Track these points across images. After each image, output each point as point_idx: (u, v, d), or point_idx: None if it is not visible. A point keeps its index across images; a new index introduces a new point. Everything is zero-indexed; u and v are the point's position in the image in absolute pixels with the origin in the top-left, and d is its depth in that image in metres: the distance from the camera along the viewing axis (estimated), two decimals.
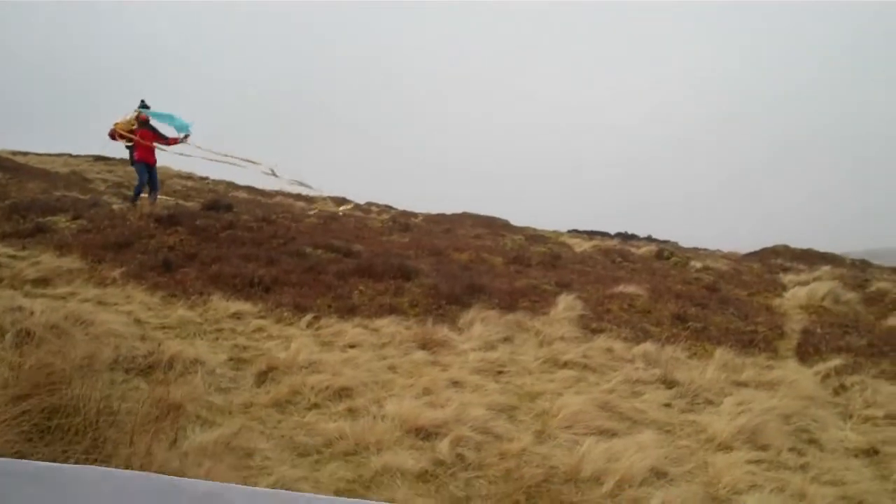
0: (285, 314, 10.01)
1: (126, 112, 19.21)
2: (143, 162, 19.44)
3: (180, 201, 19.04)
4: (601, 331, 10.75)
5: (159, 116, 19.31)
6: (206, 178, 28.91)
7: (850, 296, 16.01)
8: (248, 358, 8.28)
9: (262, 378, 7.69)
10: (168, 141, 19.79)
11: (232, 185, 27.88)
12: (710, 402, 8.45)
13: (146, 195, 18.91)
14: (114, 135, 19.31)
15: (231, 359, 8.21)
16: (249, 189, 27.70)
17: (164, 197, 18.47)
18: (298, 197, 27.80)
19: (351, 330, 9.56)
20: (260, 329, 9.42)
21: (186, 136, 19.61)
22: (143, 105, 19.53)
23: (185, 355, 7.74)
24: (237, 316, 9.76)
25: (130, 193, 20.00)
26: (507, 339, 10.09)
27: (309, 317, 9.86)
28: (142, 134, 19.34)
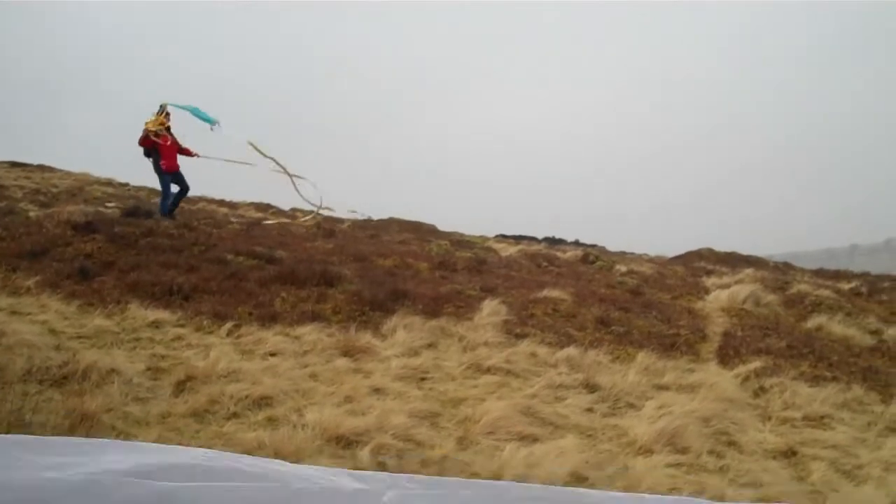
0: (205, 322, 9.82)
1: (148, 114, 18.72)
2: (170, 171, 18.98)
3: (100, 208, 18.64)
4: (525, 336, 10.73)
5: (182, 109, 18.83)
6: (127, 185, 28.47)
7: (771, 298, 16.24)
8: (167, 367, 8.11)
9: (181, 387, 7.53)
10: (185, 152, 19.39)
11: (154, 192, 27.45)
12: (631, 406, 8.49)
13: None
14: (147, 142, 18.76)
15: (149, 368, 8.03)
16: None
17: (80, 207, 18.04)
18: (221, 203, 27.51)
19: (272, 338, 9.42)
20: (179, 338, 9.24)
21: (196, 155, 19.23)
22: (163, 109, 19.05)
23: (101, 365, 7.55)
24: (156, 325, 9.57)
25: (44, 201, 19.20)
26: (430, 345, 10.03)
27: (229, 325, 9.69)
28: (165, 141, 18.91)
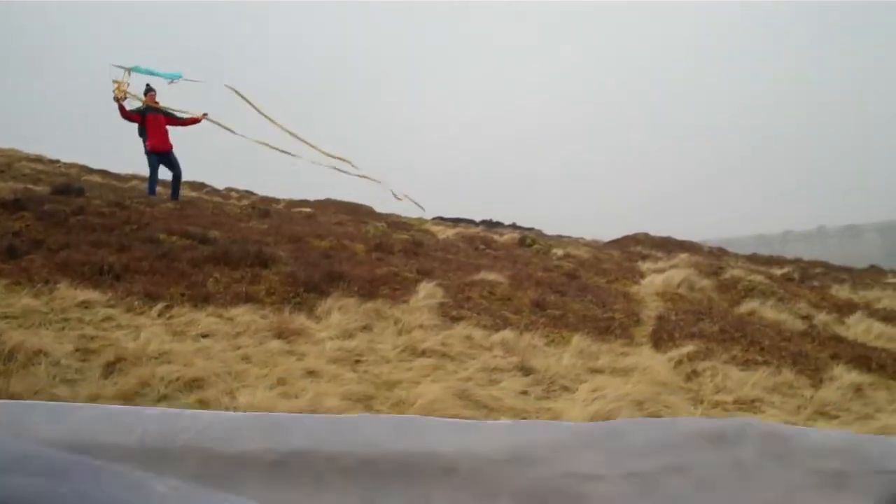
0: (136, 303, 9.64)
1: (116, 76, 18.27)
2: (156, 151, 18.53)
3: (29, 185, 18.25)
4: (461, 318, 10.72)
5: (141, 71, 18.36)
6: (58, 161, 27.94)
7: (705, 283, 16.42)
8: (96, 348, 7.95)
9: (110, 369, 7.39)
10: (185, 121, 18.89)
11: (85, 169, 27.01)
12: (566, 389, 8.50)
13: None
14: (134, 116, 18.32)
15: (77, 349, 7.87)
16: (104, 173, 26.92)
17: (9, 184, 17.59)
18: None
19: (204, 319, 9.29)
20: (109, 318, 9.07)
21: (205, 115, 18.74)
22: (148, 88, 18.61)
23: (27, 346, 7.39)
24: (85, 305, 9.37)
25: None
26: (365, 328, 9.98)
27: (160, 306, 9.52)
28: (152, 119, 18.43)
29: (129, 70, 18.08)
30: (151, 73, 18.43)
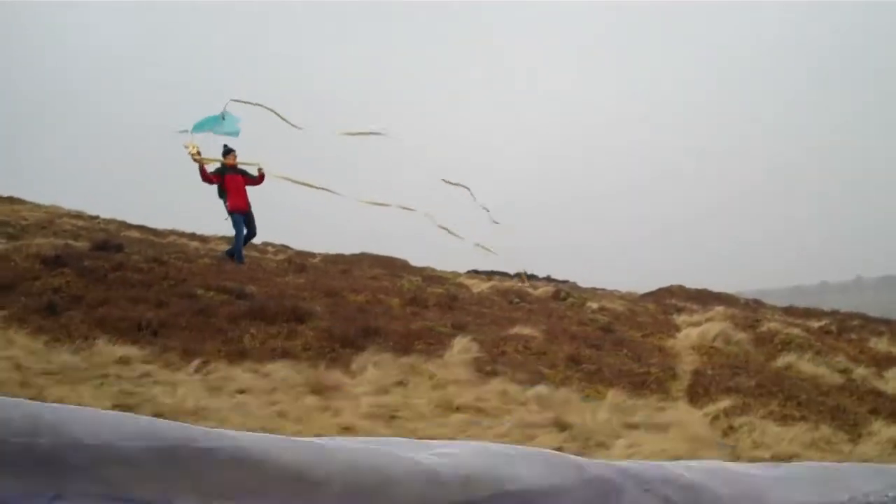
0: (173, 359, 9.73)
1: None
2: (238, 211, 18.66)
3: (69, 241, 18.46)
4: (495, 373, 10.71)
5: (203, 125, 18.53)
6: (97, 217, 28.22)
7: (741, 336, 16.27)
8: (134, 404, 8.00)
9: None
10: (257, 179, 19.00)
11: (124, 225, 27.27)
12: (601, 445, 8.47)
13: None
14: (215, 178, 18.43)
15: (115, 405, 7.91)
16: (142, 228, 27.16)
17: (50, 240, 17.74)
18: (192, 236, 27.38)
19: (241, 375, 9.36)
20: (146, 374, 9.14)
21: (262, 173, 18.73)
22: (227, 149, 18.71)
23: (67, 402, 7.45)
24: (123, 361, 9.46)
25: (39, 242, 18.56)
26: (400, 383, 10.00)
27: (197, 361, 9.61)
28: (230, 179, 18.57)
29: (191, 132, 18.22)
30: (216, 131, 18.60)
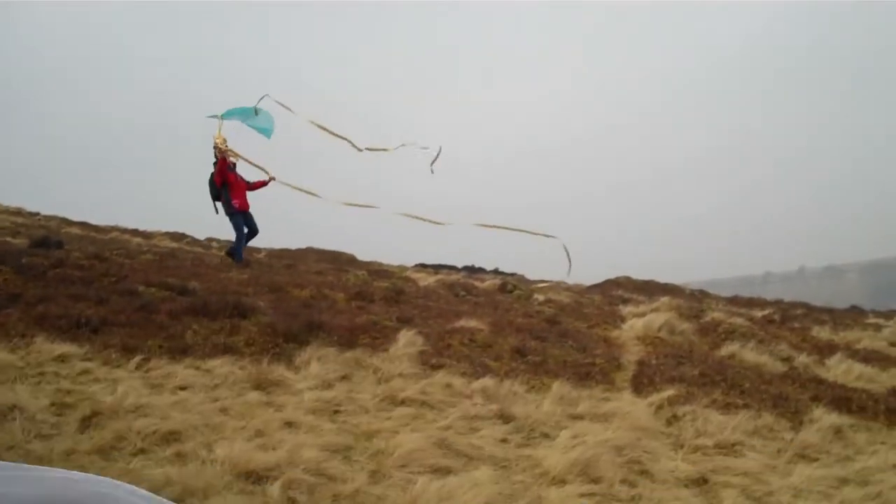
0: (113, 356, 9.59)
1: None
2: (243, 211, 18.36)
3: (7, 238, 18.17)
4: (441, 366, 10.69)
5: (234, 113, 18.03)
6: (37, 214, 27.90)
7: (686, 326, 16.42)
8: (72, 402, 7.89)
9: (86, 423, 7.34)
10: (255, 185, 18.65)
11: (65, 221, 26.96)
12: (546, 436, 8.49)
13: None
14: (228, 175, 18.08)
15: (53, 404, 7.80)
16: (83, 225, 26.86)
17: None
18: (135, 233, 27.12)
19: (182, 371, 9.24)
20: (86, 372, 9.00)
21: (272, 178, 18.39)
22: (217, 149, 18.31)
23: (2, 401, 7.34)
24: (62, 358, 9.30)
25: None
26: (344, 378, 9.94)
27: (138, 358, 9.48)
28: (234, 178, 18.25)
29: (222, 118, 17.83)
30: (248, 123, 18.03)
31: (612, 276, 34.17)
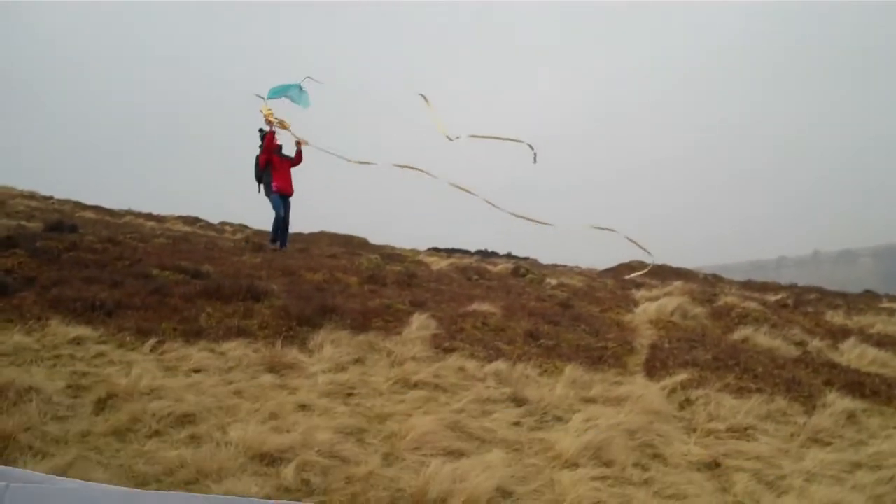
0: (128, 339, 9.62)
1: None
2: (284, 193, 18.35)
3: (22, 222, 18.24)
4: (453, 350, 10.71)
5: (280, 92, 17.78)
6: (51, 198, 27.97)
7: (699, 310, 16.42)
8: (87, 385, 7.92)
9: (101, 405, 7.37)
10: (296, 159, 18.61)
11: (79, 205, 27.03)
12: (558, 420, 8.50)
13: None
14: (271, 156, 18.11)
15: (69, 386, 7.84)
16: (97, 209, 26.96)
17: (2, 221, 17.44)
18: (149, 216, 27.19)
19: (196, 354, 9.27)
20: (101, 354, 9.04)
21: (303, 142, 18.17)
22: (263, 133, 18.26)
23: (19, 383, 7.36)
24: (77, 341, 9.34)
25: None
26: (358, 361, 9.96)
27: (152, 341, 9.50)
28: (278, 161, 18.25)
29: (266, 98, 17.66)
30: (291, 99, 17.63)
31: (625, 260, 34.12)
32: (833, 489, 7.06)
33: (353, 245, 25.31)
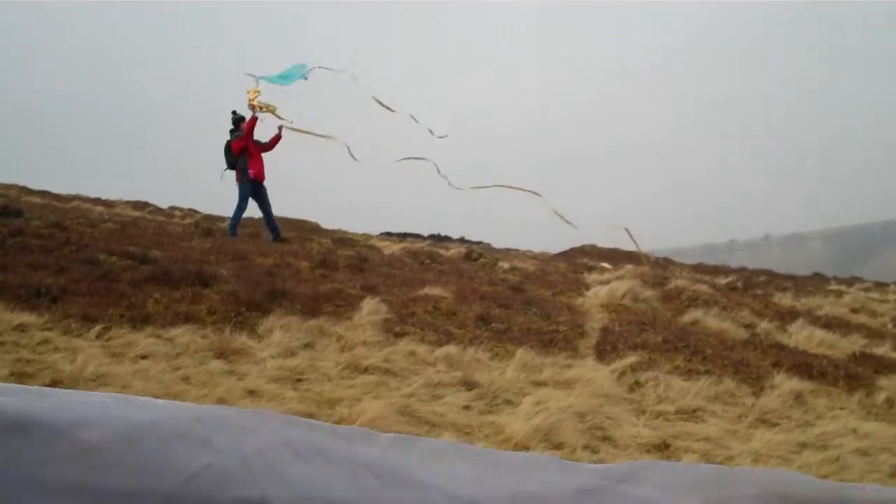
0: (73, 325, 9.45)
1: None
2: (258, 180, 17.97)
3: None
4: (404, 334, 10.67)
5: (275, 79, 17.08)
6: None
7: (649, 293, 16.53)
8: (32, 372, 7.79)
9: None
10: (270, 144, 18.17)
11: (25, 190, 26.67)
12: (509, 403, 8.50)
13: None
14: (250, 136, 17.68)
15: (12, 374, 7.70)
16: (44, 194, 26.62)
17: None
18: (97, 201, 26.87)
19: (143, 340, 9.15)
20: (45, 341, 8.89)
21: (282, 127, 17.87)
22: (238, 117, 17.87)
23: None
24: (21, 328, 9.17)
25: None
26: (307, 346, 9.90)
27: (99, 327, 9.35)
28: (255, 147, 17.85)
29: (258, 79, 17.23)
30: (283, 81, 16.98)
31: (577, 244, 34.31)
32: (780, 469, 7.11)
33: (304, 229, 25.17)
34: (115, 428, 1.51)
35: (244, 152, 17.73)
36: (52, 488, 1.47)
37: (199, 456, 1.47)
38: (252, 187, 18.04)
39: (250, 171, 17.77)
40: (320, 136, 16.14)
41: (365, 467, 1.62)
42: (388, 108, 14.87)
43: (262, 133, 18.21)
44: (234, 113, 17.94)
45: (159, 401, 1.70)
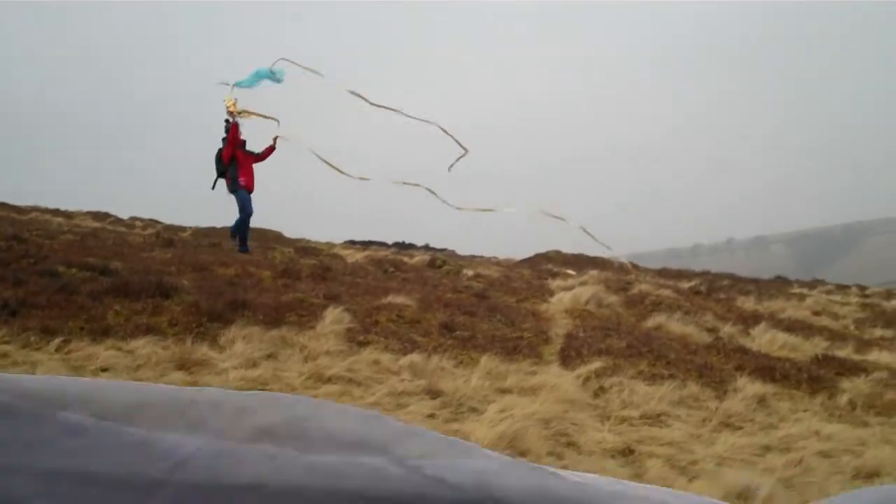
0: (32, 338, 9.31)
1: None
2: (248, 189, 17.69)
3: None
4: (368, 343, 10.63)
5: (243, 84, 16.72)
6: None
7: (613, 299, 16.58)
8: None
9: None
10: (263, 154, 17.88)
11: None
12: (473, 410, 8.48)
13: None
14: (234, 142, 17.31)
15: None
16: (2, 206, 26.32)
17: None
18: (56, 212, 26.62)
19: (103, 352, 9.04)
20: (4, 355, 8.75)
21: (276, 137, 17.52)
22: (228, 126, 17.52)
23: None
24: None
25: None
26: (270, 356, 9.82)
27: (58, 340, 9.22)
28: (242, 155, 17.58)
29: (233, 86, 16.84)
30: (260, 79, 16.39)
31: (542, 250, 34.35)
32: (744, 472, 7.13)
33: (266, 239, 25.01)
34: (102, 410, 1.46)
35: (234, 160, 17.57)
36: (37, 472, 1.43)
37: (190, 439, 1.42)
38: (246, 194, 17.85)
39: (241, 180, 17.59)
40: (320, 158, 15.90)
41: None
42: (412, 116, 14.69)
43: (257, 144, 18.10)
44: (226, 121, 17.77)
45: (151, 384, 1.65)
